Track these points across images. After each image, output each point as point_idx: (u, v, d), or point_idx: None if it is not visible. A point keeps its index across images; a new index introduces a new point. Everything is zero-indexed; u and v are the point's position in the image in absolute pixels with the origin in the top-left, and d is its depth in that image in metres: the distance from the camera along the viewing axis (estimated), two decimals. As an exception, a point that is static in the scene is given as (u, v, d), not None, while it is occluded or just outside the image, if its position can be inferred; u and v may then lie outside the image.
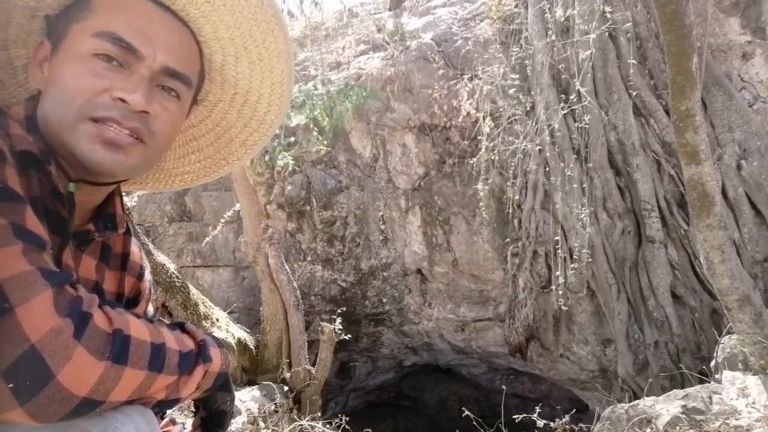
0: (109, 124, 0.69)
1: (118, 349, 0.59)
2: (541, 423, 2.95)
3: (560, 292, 4.25)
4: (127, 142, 0.70)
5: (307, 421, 3.53)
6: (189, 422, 2.81)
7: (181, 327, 0.76)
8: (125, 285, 0.89)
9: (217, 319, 4.07)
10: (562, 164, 4.41)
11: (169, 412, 0.98)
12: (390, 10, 6.20)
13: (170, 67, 0.74)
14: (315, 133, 4.22)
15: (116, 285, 0.88)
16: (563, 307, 4.34)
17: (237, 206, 4.74)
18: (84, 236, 0.78)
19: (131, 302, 0.92)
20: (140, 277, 0.94)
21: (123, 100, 0.68)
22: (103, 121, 0.68)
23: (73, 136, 0.68)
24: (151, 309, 0.99)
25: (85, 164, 0.69)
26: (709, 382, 2.96)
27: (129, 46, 0.69)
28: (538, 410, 3.03)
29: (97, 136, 0.68)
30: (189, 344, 0.73)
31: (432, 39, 5.23)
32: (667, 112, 4.18)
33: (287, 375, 4.11)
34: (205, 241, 5.11)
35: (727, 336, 3.07)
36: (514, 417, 3.08)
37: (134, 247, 0.93)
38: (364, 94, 4.27)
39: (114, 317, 0.62)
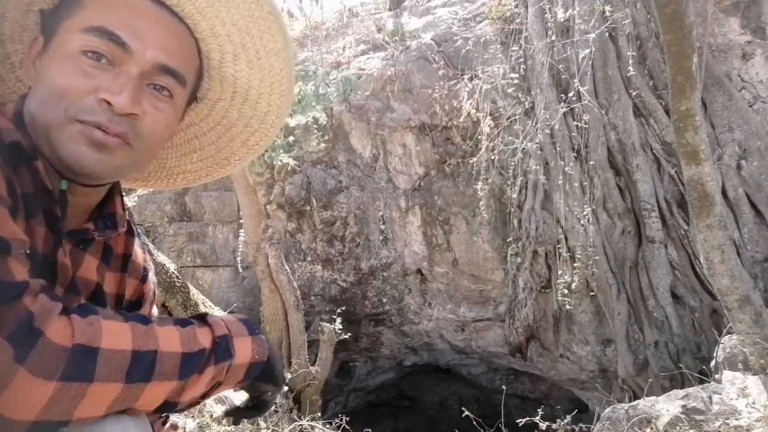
0: (101, 127, 0.67)
1: (76, 364, 0.55)
2: (543, 426, 2.94)
3: (565, 291, 4.25)
4: (113, 143, 0.68)
5: (307, 421, 3.53)
6: (189, 422, 2.81)
7: (202, 319, 0.71)
8: (126, 287, 0.88)
9: (217, 319, 4.06)
10: (562, 164, 4.41)
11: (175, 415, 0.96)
12: (390, 10, 6.20)
13: (162, 63, 0.71)
14: (316, 129, 4.21)
15: (116, 287, 0.86)
16: (567, 307, 4.33)
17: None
18: (82, 235, 0.77)
19: (134, 305, 0.91)
20: (143, 279, 0.92)
21: (108, 103, 0.66)
22: (89, 125, 0.67)
23: (60, 136, 0.66)
24: (155, 311, 0.98)
25: (70, 165, 0.68)
26: (709, 382, 2.96)
27: (117, 39, 0.67)
28: (540, 412, 3.01)
29: (84, 136, 0.66)
30: (202, 342, 0.67)
31: (432, 39, 5.23)
32: (667, 112, 4.18)
33: (287, 375, 4.11)
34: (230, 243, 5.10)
35: (727, 336, 3.07)
36: (517, 421, 3.05)
37: (137, 249, 0.91)
38: (353, 87, 4.28)
39: (79, 328, 0.56)
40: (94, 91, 0.66)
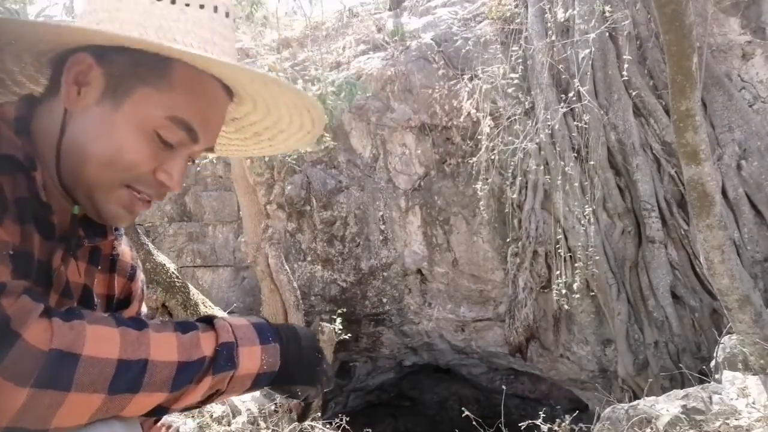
0: (144, 196, 0.73)
1: (51, 371, 0.52)
2: (545, 428, 2.93)
3: (563, 292, 4.25)
4: (145, 207, 0.75)
5: (307, 421, 3.53)
6: (190, 422, 2.81)
7: (209, 323, 0.68)
8: (115, 286, 0.88)
9: (217, 319, 4.06)
10: (562, 164, 4.41)
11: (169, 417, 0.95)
12: (390, 10, 6.21)
13: (210, 147, 0.78)
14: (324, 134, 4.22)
15: (106, 287, 0.87)
16: (565, 307, 4.33)
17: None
18: (76, 242, 0.77)
19: (122, 303, 0.91)
20: (131, 277, 0.92)
21: (164, 184, 0.73)
22: (140, 195, 0.72)
23: (107, 197, 0.71)
24: (144, 309, 0.98)
25: (103, 217, 0.73)
26: (709, 382, 2.96)
27: (194, 135, 0.73)
28: (542, 415, 2.99)
29: (128, 205, 0.72)
30: (203, 350, 0.63)
31: (432, 39, 5.23)
32: (667, 112, 4.18)
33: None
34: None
35: (727, 336, 3.07)
36: (519, 424, 3.04)
37: (125, 248, 0.91)
38: (359, 91, 4.28)
39: (59, 332, 0.54)
40: (154, 167, 0.72)
